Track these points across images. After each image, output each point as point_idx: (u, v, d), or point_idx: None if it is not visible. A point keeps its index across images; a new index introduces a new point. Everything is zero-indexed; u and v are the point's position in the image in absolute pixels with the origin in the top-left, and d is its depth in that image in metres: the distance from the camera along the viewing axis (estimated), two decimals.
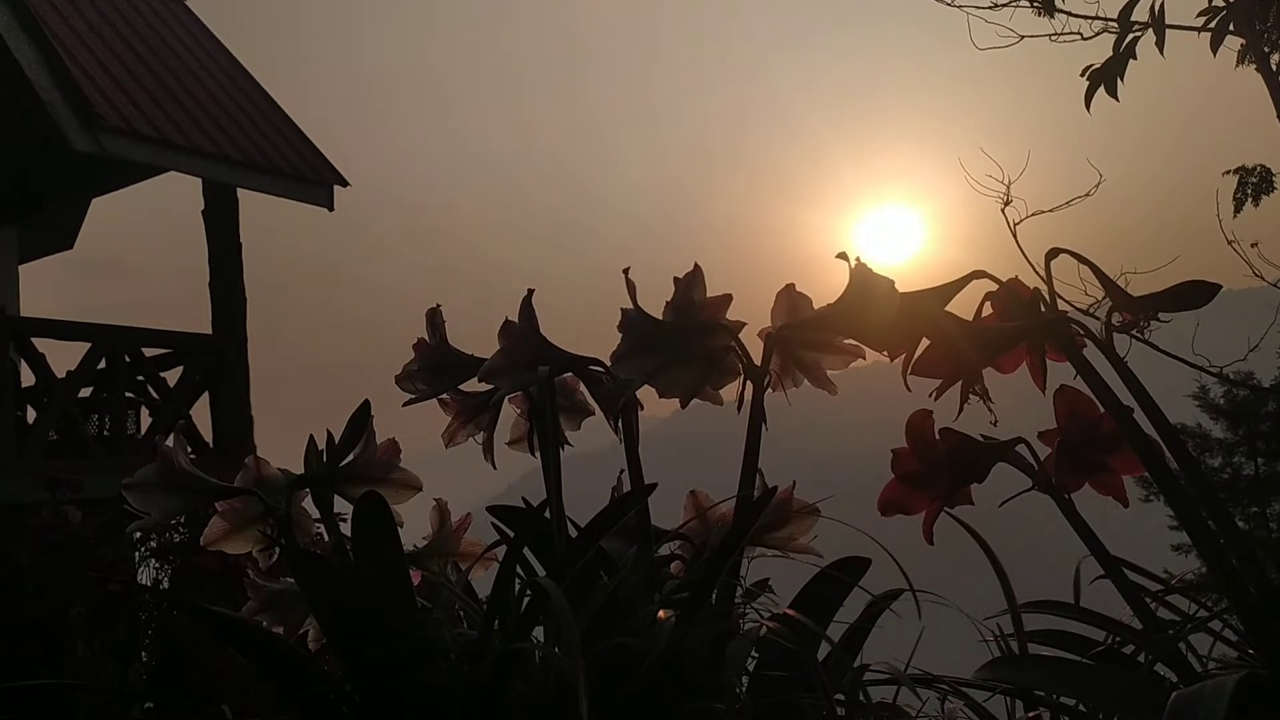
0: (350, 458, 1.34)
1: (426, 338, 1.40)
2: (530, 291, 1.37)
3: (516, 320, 1.36)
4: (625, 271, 1.26)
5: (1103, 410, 1.33)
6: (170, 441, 1.30)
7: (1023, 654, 1.11)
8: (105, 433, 7.25)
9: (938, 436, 1.33)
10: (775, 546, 1.47)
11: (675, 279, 1.30)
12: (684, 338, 1.26)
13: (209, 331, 7.71)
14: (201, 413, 7.63)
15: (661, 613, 1.08)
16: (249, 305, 7.82)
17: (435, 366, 1.36)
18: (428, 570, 1.47)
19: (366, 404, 1.33)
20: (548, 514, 1.16)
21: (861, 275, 1.23)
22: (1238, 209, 9.88)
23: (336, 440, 1.35)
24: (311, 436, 1.35)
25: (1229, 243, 8.18)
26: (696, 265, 1.31)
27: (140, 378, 7.44)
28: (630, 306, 1.24)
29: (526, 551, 1.15)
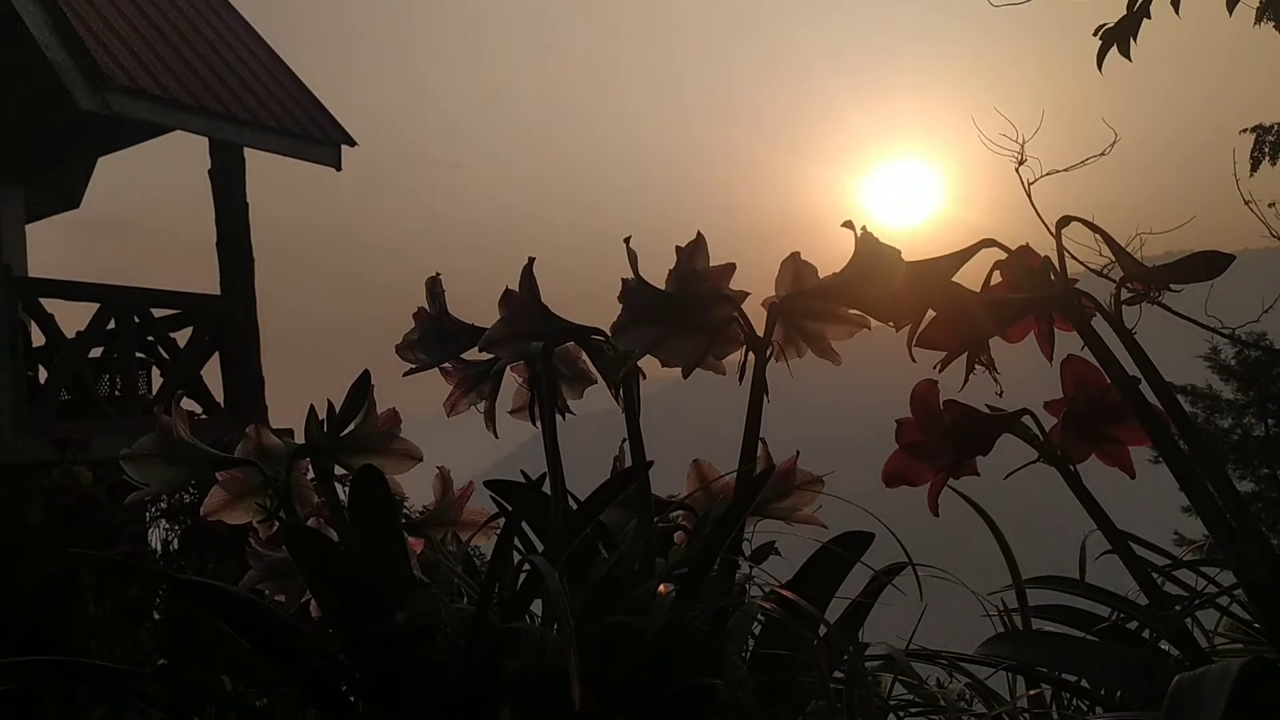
0: (351, 428, 1.33)
1: (427, 306, 1.39)
2: (531, 260, 1.35)
3: (517, 289, 1.34)
4: (626, 241, 1.24)
5: (1110, 381, 1.31)
6: (172, 409, 1.29)
7: (1026, 630, 1.10)
8: (116, 393, 7.27)
9: (942, 407, 1.31)
10: (778, 517, 1.47)
11: (678, 248, 1.28)
12: (686, 308, 1.25)
13: (218, 292, 7.71)
14: (213, 374, 7.65)
15: (662, 587, 1.08)
16: (257, 265, 7.81)
17: (436, 336, 1.35)
18: (430, 541, 1.47)
19: (366, 374, 1.32)
20: (546, 488, 1.15)
21: (868, 245, 1.21)
22: (1254, 167, 9.77)
23: (337, 410, 1.34)
24: (312, 406, 1.34)
25: (1245, 203, 8.06)
26: (699, 234, 1.29)
27: (150, 338, 7.45)
28: (631, 276, 1.22)
29: (526, 525, 1.14)
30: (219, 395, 7.64)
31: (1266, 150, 9.91)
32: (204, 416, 7.29)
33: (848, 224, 1.24)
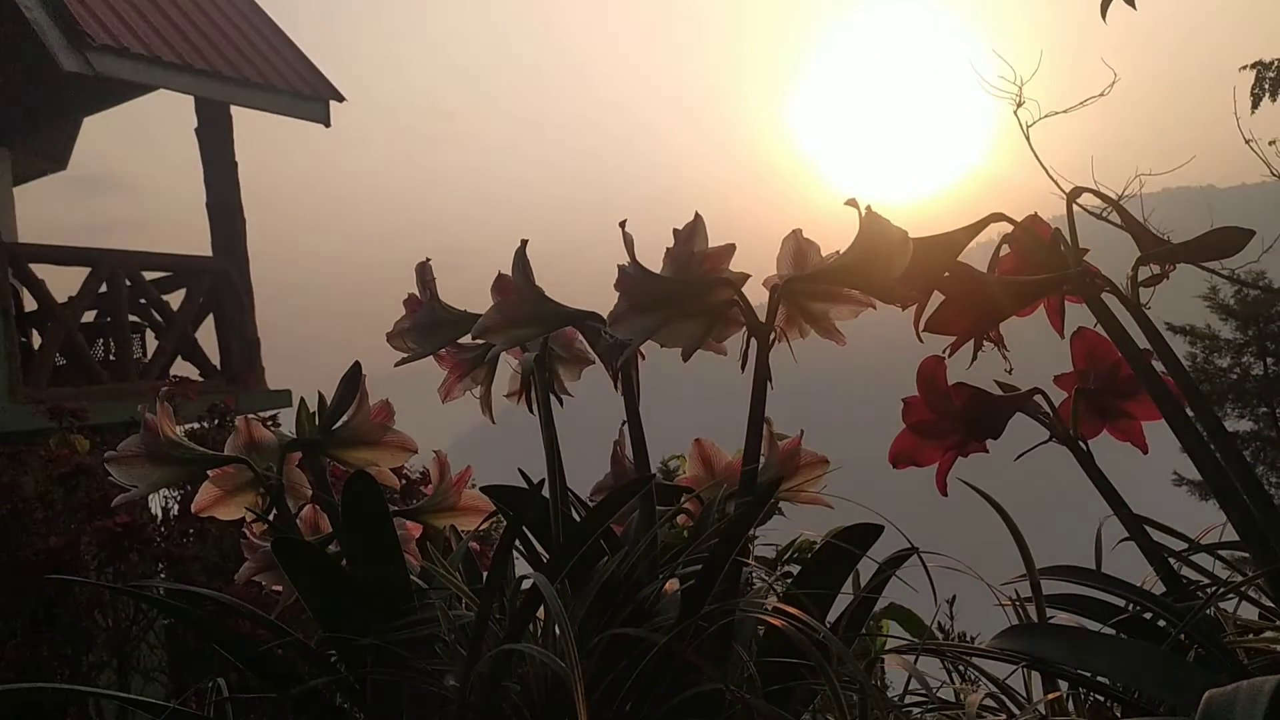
0: (343, 421, 1.29)
1: (417, 292, 1.34)
2: (524, 243, 1.30)
3: (510, 274, 1.29)
4: (622, 224, 1.19)
5: (1121, 355, 1.28)
6: (158, 407, 1.25)
7: (1040, 622, 1.07)
8: (111, 358, 7.22)
9: (951, 392, 1.28)
10: (784, 497, 1.44)
11: (675, 230, 1.24)
12: (685, 293, 1.20)
13: (210, 253, 7.63)
14: (207, 336, 7.61)
15: (668, 585, 1.05)
16: (249, 224, 7.72)
17: (428, 324, 1.31)
18: (429, 526, 1.44)
19: (357, 366, 1.28)
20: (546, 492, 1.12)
21: (873, 224, 1.16)
22: (1255, 105, 9.67)
23: (329, 403, 1.30)
24: (302, 400, 1.31)
25: (1246, 142, 8.03)
26: (697, 215, 1.24)
27: (142, 301, 7.39)
28: (627, 263, 1.18)
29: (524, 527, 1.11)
30: (215, 358, 7.60)
31: (1266, 87, 9.81)
32: (201, 379, 7.25)
33: (851, 201, 1.19)
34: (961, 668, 1.05)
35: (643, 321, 1.18)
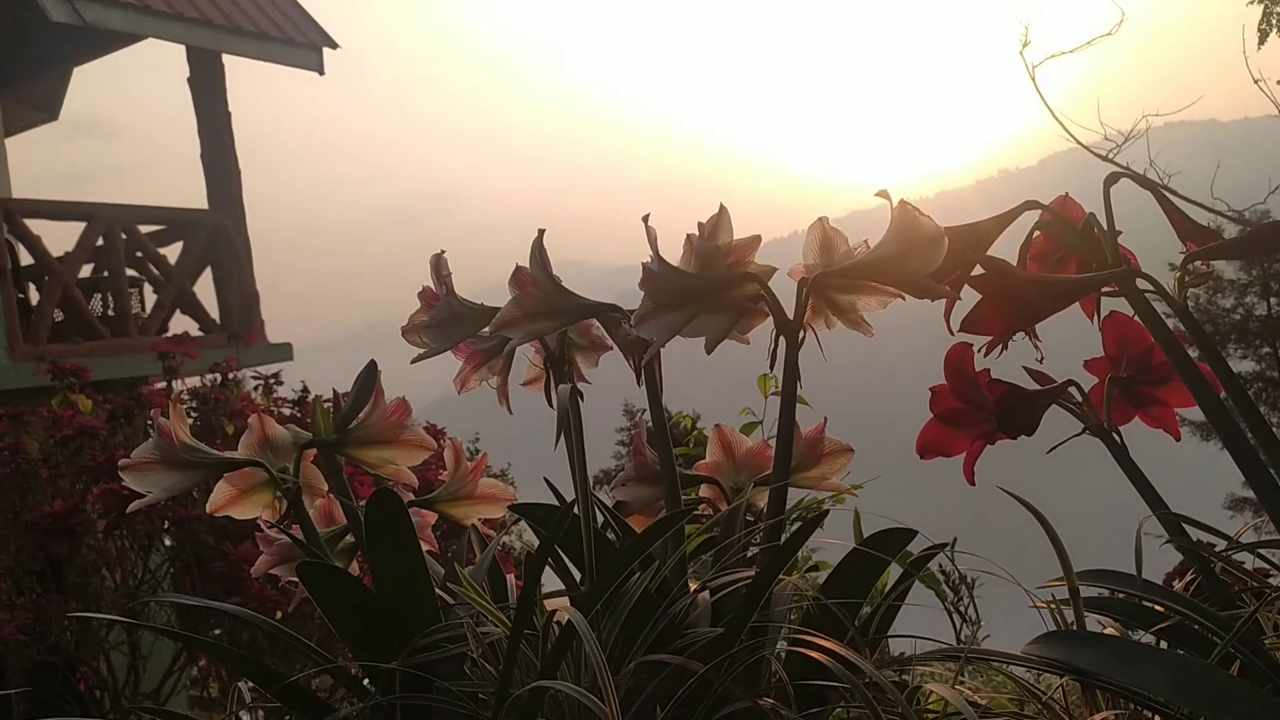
0: (359, 419, 1.26)
1: (432, 286, 1.31)
2: (541, 233, 1.26)
3: (528, 266, 1.26)
4: (645, 219, 1.15)
5: (1153, 341, 1.25)
6: (171, 412, 1.22)
7: (1079, 629, 1.05)
8: (109, 312, 7.18)
9: (985, 386, 1.25)
10: (807, 486, 1.42)
11: (699, 224, 1.20)
12: (710, 289, 1.17)
13: (205, 205, 7.55)
14: (205, 290, 7.55)
15: (700, 596, 1.03)
16: (245, 175, 7.63)
17: (444, 319, 1.27)
18: (446, 516, 1.42)
19: (373, 364, 1.25)
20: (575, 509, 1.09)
21: (906, 218, 1.12)
22: (1262, 40, 9.52)
23: (345, 401, 1.27)
24: (317, 397, 1.27)
25: (1255, 81, 7.93)
26: (722, 207, 1.21)
27: (139, 255, 7.32)
28: (650, 260, 1.14)
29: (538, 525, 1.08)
30: (214, 312, 7.55)
31: (1274, 22, 9.65)
32: (201, 334, 7.21)
33: (883, 193, 1.15)
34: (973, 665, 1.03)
35: (668, 320, 1.15)
